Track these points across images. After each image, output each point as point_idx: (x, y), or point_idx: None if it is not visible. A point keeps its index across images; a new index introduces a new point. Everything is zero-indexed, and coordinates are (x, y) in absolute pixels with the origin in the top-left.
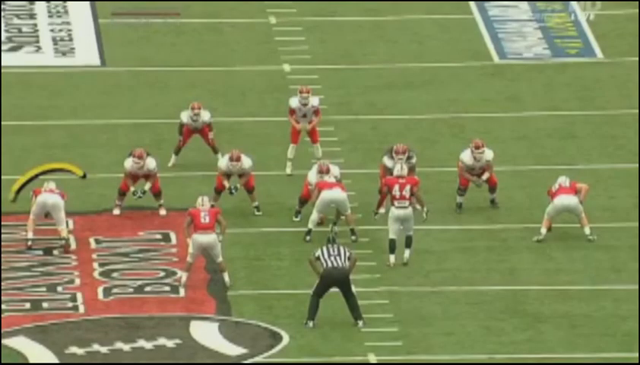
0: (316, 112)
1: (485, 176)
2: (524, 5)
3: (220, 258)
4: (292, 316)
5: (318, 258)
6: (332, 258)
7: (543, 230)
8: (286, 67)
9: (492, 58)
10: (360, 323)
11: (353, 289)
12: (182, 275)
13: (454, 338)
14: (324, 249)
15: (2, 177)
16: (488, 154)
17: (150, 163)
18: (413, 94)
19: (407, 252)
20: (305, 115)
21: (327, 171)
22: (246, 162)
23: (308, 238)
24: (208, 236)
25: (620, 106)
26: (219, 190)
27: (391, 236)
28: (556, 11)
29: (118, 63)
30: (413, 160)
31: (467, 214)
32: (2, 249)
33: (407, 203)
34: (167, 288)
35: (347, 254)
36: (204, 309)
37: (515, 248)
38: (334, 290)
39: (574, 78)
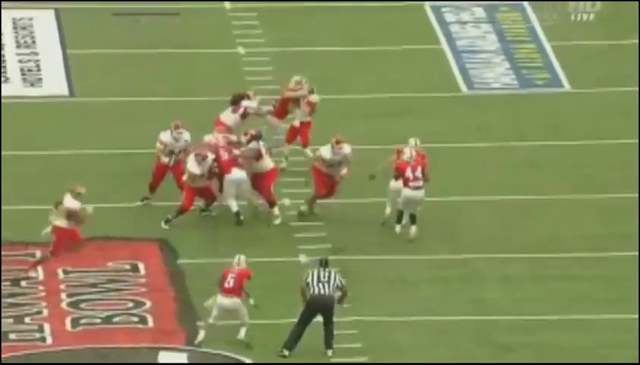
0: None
1: (344, 171)
2: (492, 36)
3: (245, 319)
4: (261, 347)
5: (308, 284)
6: (320, 284)
7: (388, 210)
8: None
9: (460, 89)
10: (330, 352)
11: (334, 318)
12: (200, 333)
13: None
14: (315, 274)
15: None
16: (346, 148)
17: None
18: (382, 125)
19: (413, 229)
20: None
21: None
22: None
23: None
24: (230, 300)
25: (587, 137)
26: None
27: (389, 209)
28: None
29: (86, 93)
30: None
31: (437, 243)
32: None
33: (421, 183)
34: (136, 319)
35: (337, 282)
36: (173, 340)
37: (485, 277)
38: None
39: (542, 108)
